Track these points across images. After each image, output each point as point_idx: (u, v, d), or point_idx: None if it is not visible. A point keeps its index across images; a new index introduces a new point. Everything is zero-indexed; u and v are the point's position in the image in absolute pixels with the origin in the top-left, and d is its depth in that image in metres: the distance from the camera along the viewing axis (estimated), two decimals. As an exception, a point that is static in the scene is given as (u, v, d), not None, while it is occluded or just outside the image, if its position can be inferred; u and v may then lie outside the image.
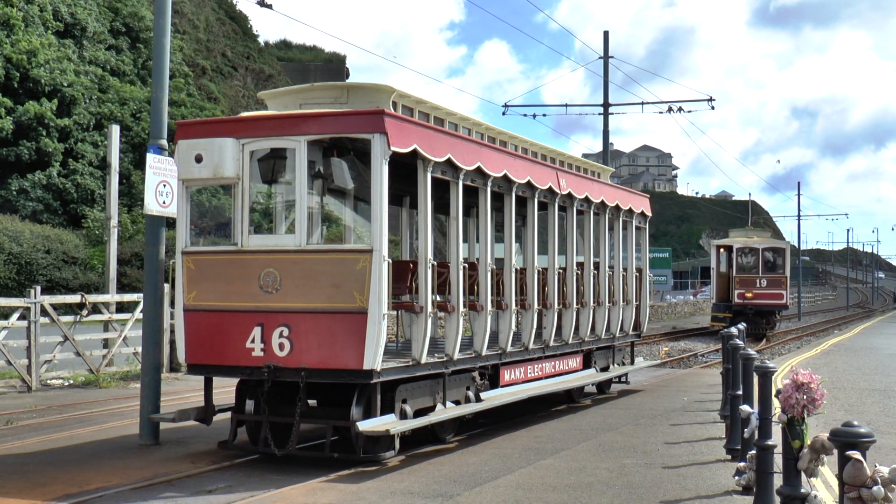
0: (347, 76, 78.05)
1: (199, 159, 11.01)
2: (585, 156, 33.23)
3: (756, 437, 8.36)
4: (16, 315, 18.07)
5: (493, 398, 13.39)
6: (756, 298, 39.87)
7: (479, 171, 12.57)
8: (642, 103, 35.77)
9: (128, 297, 21.31)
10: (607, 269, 17.64)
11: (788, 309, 45.52)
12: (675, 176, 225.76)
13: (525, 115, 36.82)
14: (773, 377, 8.37)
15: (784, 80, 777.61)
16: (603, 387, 18.80)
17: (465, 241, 16.32)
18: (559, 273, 15.62)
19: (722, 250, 42.27)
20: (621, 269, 18.53)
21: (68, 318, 19.36)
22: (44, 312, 18.33)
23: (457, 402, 12.64)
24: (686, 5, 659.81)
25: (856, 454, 6.10)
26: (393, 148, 10.52)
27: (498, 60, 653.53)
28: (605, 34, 35.65)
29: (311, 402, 11.68)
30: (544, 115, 36.88)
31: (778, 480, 7.73)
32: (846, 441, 6.15)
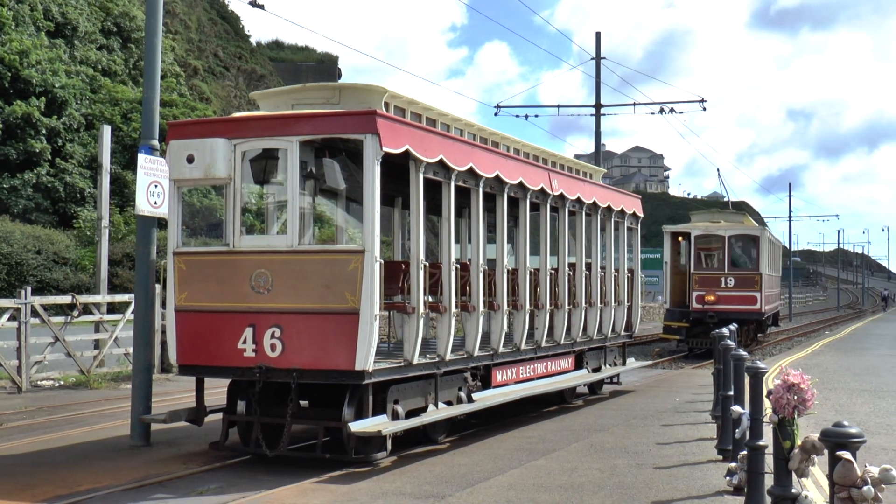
0: (340, 77, 78.07)
1: (190, 160, 10.99)
2: (577, 156, 33.31)
3: (747, 437, 8.37)
4: (6, 316, 17.99)
5: (485, 399, 13.40)
6: (720, 303, 30.37)
7: (471, 171, 12.57)
8: (634, 104, 35.82)
9: (119, 298, 21.25)
10: (599, 269, 17.66)
11: (764, 316, 32.13)
12: (667, 177, 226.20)
13: (517, 116, 36.81)
14: (765, 378, 8.40)
15: (781, 81, 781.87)
16: (595, 387, 18.82)
17: (457, 241, 16.33)
18: (551, 274, 15.63)
19: (680, 239, 32.50)
20: (613, 270, 18.55)
21: (59, 319, 19.30)
22: (34, 313, 18.27)
23: (449, 403, 12.64)
24: (685, 7, 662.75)
25: (846, 454, 6.11)
26: (385, 148, 10.52)
27: (498, 62, 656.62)
28: (597, 35, 35.71)
29: (303, 402, 11.67)
30: (536, 115, 36.83)
31: (769, 481, 7.75)
32: (836, 441, 6.16)
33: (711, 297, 30.37)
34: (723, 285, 30.58)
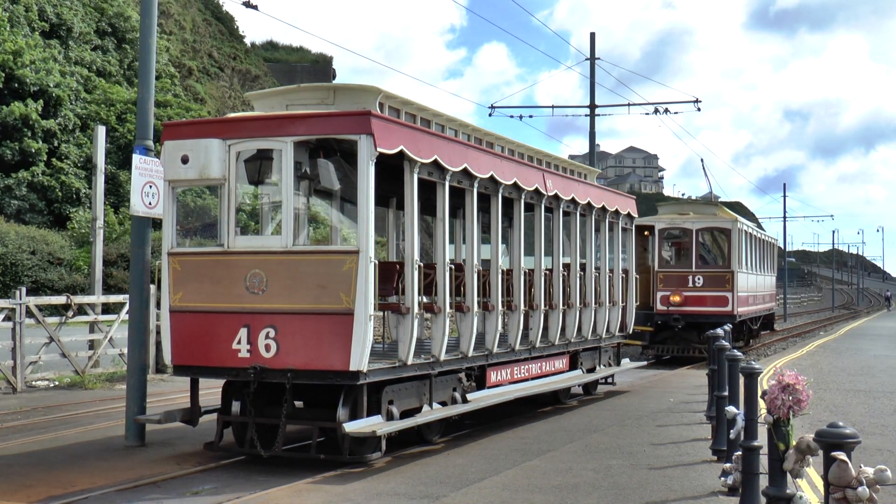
0: (334, 77, 77.89)
1: (185, 160, 10.99)
2: (572, 157, 33.31)
3: (742, 438, 8.38)
4: (1, 316, 17.98)
5: (480, 399, 13.40)
6: (686, 304, 27.20)
7: (465, 172, 12.57)
8: (628, 104, 35.80)
9: (114, 299, 21.23)
10: (593, 270, 17.66)
11: (737, 320, 27.66)
12: (662, 177, 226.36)
13: (511, 117, 36.77)
14: (759, 378, 8.40)
15: (778, 82, 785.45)
16: (589, 388, 18.83)
17: (451, 242, 16.31)
18: (545, 274, 15.63)
19: (646, 233, 28.81)
20: (607, 271, 18.56)
21: (54, 320, 19.28)
22: (29, 313, 18.25)
23: (443, 404, 12.64)
24: (683, 7, 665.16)
25: (841, 455, 6.11)
26: (379, 149, 10.52)
27: (496, 63, 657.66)
28: (592, 36, 35.70)
29: (298, 403, 11.66)
30: (531, 116, 36.77)
31: (763, 481, 7.75)
32: (831, 442, 6.16)
33: (677, 298, 27.27)
34: (690, 284, 27.52)
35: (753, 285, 31.05)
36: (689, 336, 27.53)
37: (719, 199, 37.60)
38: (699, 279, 27.54)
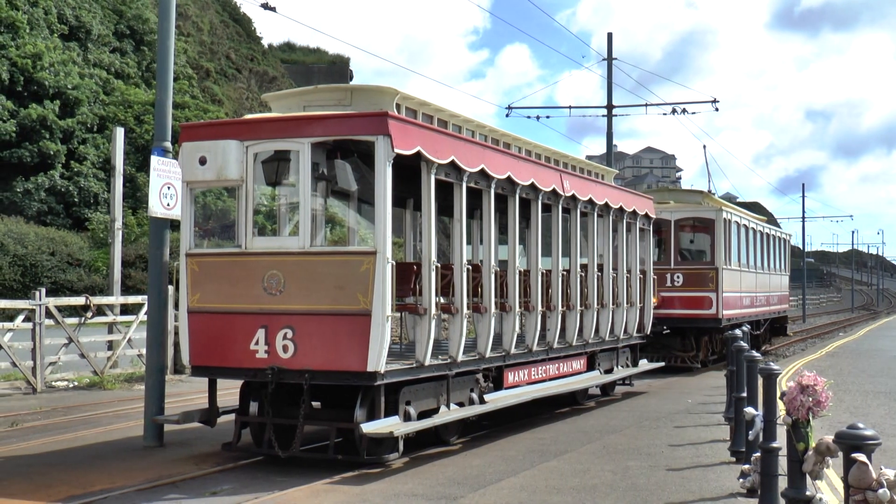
0: (351, 78, 78.04)
1: (202, 161, 11.02)
2: (590, 157, 33.20)
3: (760, 439, 8.34)
4: (21, 317, 18.09)
5: (497, 400, 13.39)
6: (664, 306, 23.18)
7: (482, 172, 12.56)
8: (646, 105, 35.72)
9: (132, 299, 21.32)
10: (611, 270, 17.62)
11: (721, 324, 24.15)
12: (679, 178, 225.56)
13: (528, 118, 36.72)
14: (778, 379, 8.36)
15: (800, 82, 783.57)
16: (607, 389, 18.78)
17: (468, 242, 16.31)
18: (563, 275, 15.60)
19: None
20: (625, 271, 18.50)
21: (73, 320, 19.37)
22: (48, 314, 18.35)
23: (460, 404, 12.63)
24: (706, 7, 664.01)
25: (861, 457, 6.07)
26: (397, 150, 10.52)
27: (519, 64, 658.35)
28: (609, 36, 35.60)
29: (315, 403, 11.68)
30: (548, 116, 36.71)
31: (782, 483, 7.71)
32: (851, 443, 6.12)
33: (654, 300, 22.47)
34: (669, 284, 23.94)
35: (751, 285, 28.18)
36: (672, 343, 24.75)
37: (737, 199, 37.44)
38: (678, 277, 24.24)
